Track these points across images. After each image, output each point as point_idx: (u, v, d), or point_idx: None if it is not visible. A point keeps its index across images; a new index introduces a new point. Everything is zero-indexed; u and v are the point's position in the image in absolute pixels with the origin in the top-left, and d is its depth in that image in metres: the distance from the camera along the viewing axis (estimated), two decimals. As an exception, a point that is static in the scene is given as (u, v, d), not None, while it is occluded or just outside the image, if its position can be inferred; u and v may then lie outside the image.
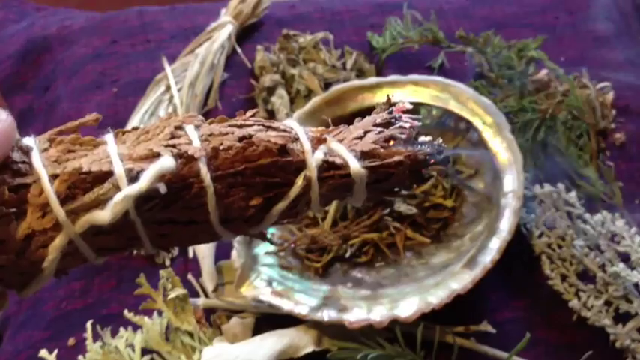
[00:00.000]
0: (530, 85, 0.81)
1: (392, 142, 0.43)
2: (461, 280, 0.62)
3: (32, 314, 0.71)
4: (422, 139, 0.44)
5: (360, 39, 0.92)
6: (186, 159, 0.38)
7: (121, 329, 0.65)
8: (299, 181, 0.40)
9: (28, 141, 0.38)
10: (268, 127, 0.41)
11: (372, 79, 0.76)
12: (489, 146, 0.70)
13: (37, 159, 0.37)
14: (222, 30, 0.89)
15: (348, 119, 0.74)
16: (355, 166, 0.40)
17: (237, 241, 0.67)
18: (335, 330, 0.63)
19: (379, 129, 0.43)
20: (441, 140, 0.44)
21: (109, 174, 0.37)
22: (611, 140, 0.81)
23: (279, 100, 0.81)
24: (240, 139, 0.40)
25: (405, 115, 0.44)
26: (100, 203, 0.36)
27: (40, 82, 0.94)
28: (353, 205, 0.44)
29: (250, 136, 0.40)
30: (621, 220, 0.68)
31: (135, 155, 0.38)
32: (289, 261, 0.69)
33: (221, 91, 0.87)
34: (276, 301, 0.63)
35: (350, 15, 0.95)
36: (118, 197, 0.36)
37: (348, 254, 0.69)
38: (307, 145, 0.41)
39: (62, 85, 0.91)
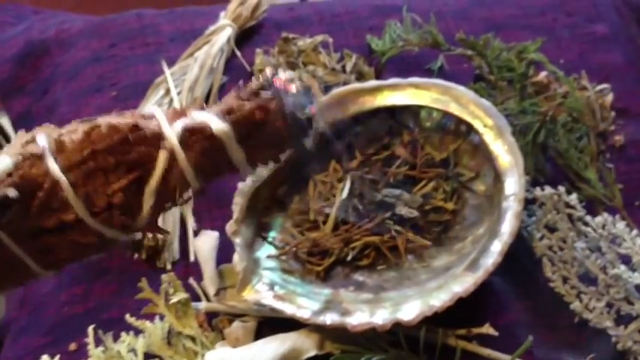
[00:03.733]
0: (530, 87, 0.81)
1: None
2: (463, 283, 0.62)
3: (33, 320, 0.71)
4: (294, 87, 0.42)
5: (359, 42, 0.92)
6: (30, 159, 0.38)
7: (123, 334, 0.65)
8: (161, 153, 0.39)
9: None
10: (120, 115, 0.41)
11: (373, 83, 0.76)
12: (491, 149, 0.70)
13: None
14: (222, 33, 0.89)
15: (349, 122, 0.75)
16: (216, 122, 0.40)
17: (239, 245, 0.67)
18: (337, 334, 0.63)
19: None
20: (313, 84, 0.43)
21: None
22: (610, 142, 0.81)
23: (279, 103, 0.81)
24: (89, 128, 0.40)
25: (280, 80, 0.42)
26: None
27: (39, 86, 0.94)
28: (243, 175, 0.41)
29: (98, 125, 0.40)
30: (622, 222, 0.68)
31: None
32: (291, 265, 0.69)
33: (220, 94, 0.86)
34: (279, 305, 0.63)
35: (349, 17, 0.95)
36: None
37: (349, 258, 0.69)
38: (162, 118, 0.40)
39: (61, 89, 0.91)
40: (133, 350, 0.64)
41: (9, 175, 0.38)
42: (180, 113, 0.41)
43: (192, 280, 0.70)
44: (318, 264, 0.69)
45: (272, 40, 0.91)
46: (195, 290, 0.69)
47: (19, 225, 0.38)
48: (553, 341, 0.66)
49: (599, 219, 0.68)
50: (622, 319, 0.65)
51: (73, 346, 0.67)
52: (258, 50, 0.89)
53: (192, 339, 0.64)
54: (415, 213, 0.70)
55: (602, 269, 0.67)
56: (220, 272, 0.70)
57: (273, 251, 0.70)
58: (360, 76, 0.86)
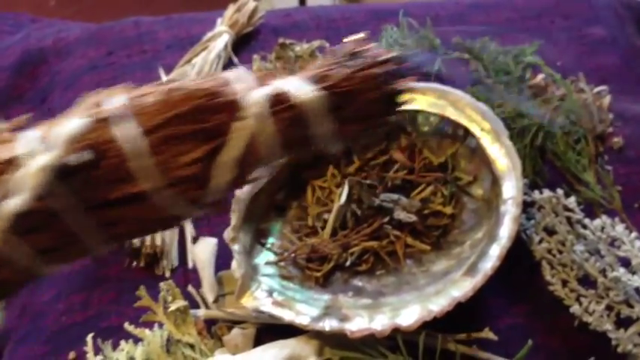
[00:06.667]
0: (528, 90, 0.81)
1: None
2: (462, 288, 0.62)
3: (32, 328, 0.70)
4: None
5: (356, 46, 0.91)
6: (102, 122, 0.35)
7: (122, 342, 0.65)
8: (241, 123, 0.35)
9: None
10: (201, 79, 0.38)
11: (370, 87, 0.76)
12: (488, 153, 0.70)
13: None
14: (219, 39, 0.89)
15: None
16: (304, 89, 0.35)
17: (237, 252, 0.67)
18: (337, 340, 0.63)
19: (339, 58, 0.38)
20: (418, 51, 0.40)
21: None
22: (609, 144, 0.81)
23: (277, 109, 0.81)
24: (166, 91, 0.36)
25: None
26: (17, 188, 0.32)
27: (37, 94, 0.94)
28: (331, 150, 0.37)
29: (176, 88, 0.36)
30: (621, 224, 0.68)
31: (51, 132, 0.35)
32: (290, 271, 0.69)
33: (218, 100, 0.86)
34: (277, 311, 0.63)
35: (346, 23, 0.95)
36: (31, 168, 0.32)
37: (348, 263, 0.69)
38: (245, 83, 0.36)
39: (59, 97, 0.91)
40: (132, 358, 0.64)
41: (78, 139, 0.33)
42: (269, 77, 0.37)
43: (191, 288, 0.70)
44: (317, 270, 0.69)
45: (269, 45, 0.91)
46: (194, 297, 0.69)
47: (81, 194, 0.34)
48: (553, 345, 0.66)
49: (597, 222, 0.68)
50: (622, 322, 0.65)
51: (72, 355, 0.67)
52: (255, 56, 0.89)
53: (191, 346, 0.64)
54: (413, 217, 0.70)
55: (602, 272, 0.67)
56: (219, 279, 0.70)
57: (271, 257, 0.70)
58: (358, 81, 0.86)
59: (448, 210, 0.71)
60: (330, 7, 1.01)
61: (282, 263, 0.69)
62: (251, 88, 0.36)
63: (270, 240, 0.71)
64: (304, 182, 0.74)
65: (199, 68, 0.85)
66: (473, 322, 0.66)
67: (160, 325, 0.66)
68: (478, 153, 0.71)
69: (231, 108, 0.36)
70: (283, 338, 0.64)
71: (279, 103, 0.36)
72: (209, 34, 0.90)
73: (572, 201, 0.70)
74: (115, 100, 0.36)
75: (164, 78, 0.84)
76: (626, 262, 0.66)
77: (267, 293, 0.65)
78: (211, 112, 0.36)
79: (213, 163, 0.35)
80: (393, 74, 0.38)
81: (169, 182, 0.35)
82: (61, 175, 0.33)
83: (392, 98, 0.39)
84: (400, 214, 0.70)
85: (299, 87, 0.36)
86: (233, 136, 0.35)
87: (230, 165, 0.35)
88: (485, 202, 0.71)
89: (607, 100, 0.84)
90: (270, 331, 0.65)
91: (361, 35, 0.41)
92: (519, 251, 0.69)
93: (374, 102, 0.38)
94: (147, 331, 0.65)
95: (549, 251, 0.69)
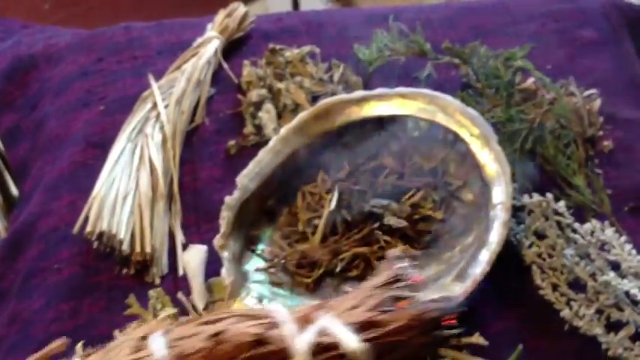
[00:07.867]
0: (518, 94, 0.81)
1: (401, 304, 0.38)
2: (452, 293, 0.62)
3: (21, 337, 0.70)
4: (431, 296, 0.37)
5: (346, 51, 0.91)
6: None
7: (112, 350, 0.65)
8: None
9: None
10: (245, 317, 0.38)
11: (359, 93, 0.76)
12: (477, 158, 0.70)
13: None
14: (209, 45, 0.89)
15: (336, 133, 0.75)
16: (351, 342, 0.36)
17: (227, 259, 0.67)
18: (327, 346, 0.63)
19: (379, 291, 0.38)
20: (451, 293, 0.38)
21: None
22: (599, 148, 0.81)
23: (267, 114, 0.81)
24: (211, 336, 0.36)
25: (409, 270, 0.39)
26: None
27: (27, 101, 0.94)
28: None
29: (222, 332, 0.36)
30: (611, 228, 0.68)
31: None
32: (280, 277, 0.69)
33: (208, 106, 0.87)
34: (267, 318, 0.63)
35: (336, 27, 0.95)
36: None
37: (338, 269, 0.69)
38: (292, 328, 0.36)
39: (49, 104, 0.91)
40: (122, 367, 0.64)
41: None
42: (308, 319, 0.37)
43: (180, 295, 0.69)
44: (307, 276, 0.69)
45: (260, 51, 0.91)
46: (184, 305, 0.69)
47: None
48: (543, 349, 0.66)
49: (587, 226, 0.68)
50: (612, 326, 0.65)
51: (62, 364, 0.67)
52: (245, 62, 0.89)
53: (182, 354, 0.64)
54: (404, 223, 0.70)
55: (592, 276, 0.67)
56: (209, 286, 0.69)
57: (262, 264, 0.70)
58: (348, 86, 0.86)
59: (438, 215, 0.71)
60: (322, 12, 1.01)
61: (272, 270, 0.69)
62: (296, 331, 0.36)
63: (261, 246, 0.71)
64: (295, 188, 0.74)
65: (189, 74, 0.85)
66: (463, 327, 0.66)
67: (150, 333, 0.65)
68: (468, 158, 0.72)
69: (279, 355, 0.36)
70: (273, 345, 0.63)
71: (325, 351, 0.36)
72: (199, 40, 0.90)
73: (562, 205, 0.70)
74: (161, 340, 0.37)
75: (154, 85, 0.84)
76: (615, 266, 0.66)
77: (256, 300, 0.65)
78: None
79: None
80: (438, 318, 0.39)
81: None
82: None
83: (440, 340, 0.40)
84: (390, 220, 0.70)
85: (344, 334, 0.36)
86: None
87: None
88: (475, 207, 0.71)
89: (597, 103, 0.84)
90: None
91: (396, 253, 0.40)
92: (509, 256, 0.69)
93: (421, 345, 0.40)
94: (137, 339, 0.64)
95: (539, 255, 0.69)
